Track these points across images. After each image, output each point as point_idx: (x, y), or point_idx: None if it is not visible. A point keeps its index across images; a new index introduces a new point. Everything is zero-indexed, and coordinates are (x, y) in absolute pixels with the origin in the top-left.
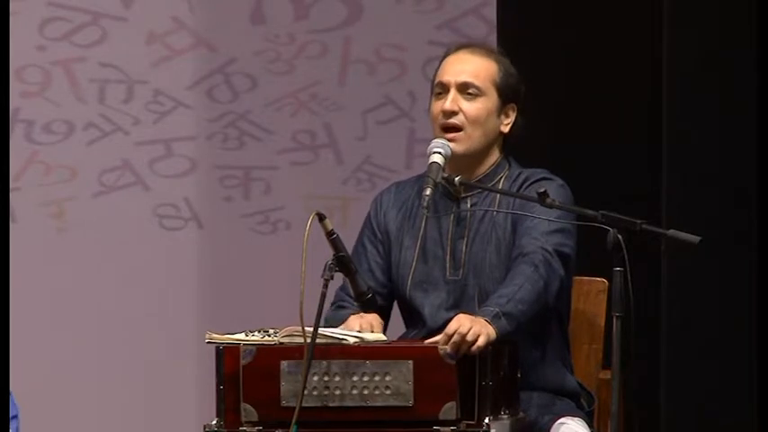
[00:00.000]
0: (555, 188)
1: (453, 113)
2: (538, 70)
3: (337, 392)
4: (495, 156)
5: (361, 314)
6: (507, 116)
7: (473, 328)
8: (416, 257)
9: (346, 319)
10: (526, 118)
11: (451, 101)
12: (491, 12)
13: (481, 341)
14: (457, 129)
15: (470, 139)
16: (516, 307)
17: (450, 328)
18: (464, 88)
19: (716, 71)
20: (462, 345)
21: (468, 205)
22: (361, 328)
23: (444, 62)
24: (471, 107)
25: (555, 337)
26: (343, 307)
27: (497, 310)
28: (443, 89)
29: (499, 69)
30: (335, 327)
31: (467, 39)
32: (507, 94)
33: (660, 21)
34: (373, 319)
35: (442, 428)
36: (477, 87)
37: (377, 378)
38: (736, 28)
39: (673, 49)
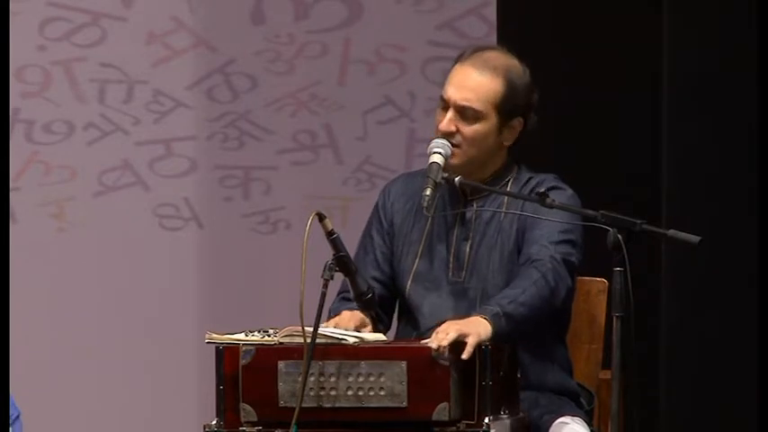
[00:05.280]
0: (566, 198)
1: (451, 134)
2: (538, 70)
3: (333, 393)
4: (498, 163)
5: (342, 313)
6: (512, 130)
7: (461, 330)
8: (420, 253)
9: (339, 313)
10: (539, 119)
11: (449, 121)
12: (491, 12)
13: (471, 341)
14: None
15: (466, 156)
16: (518, 309)
17: (439, 332)
18: (462, 110)
19: (716, 71)
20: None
21: (475, 208)
22: (337, 325)
23: (453, 70)
24: (469, 130)
25: (555, 337)
26: (348, 299)
27: (498, 309)
28: (446, 104)
29: (504, 89)
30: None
31: (467, 39)
32: (510, 112)
33: (661, 19)
34: (351, 318)
35: (439, 429)
36: (475, 111)
37: (371, 379)
38: (736, 28)
39: (674, 47)
